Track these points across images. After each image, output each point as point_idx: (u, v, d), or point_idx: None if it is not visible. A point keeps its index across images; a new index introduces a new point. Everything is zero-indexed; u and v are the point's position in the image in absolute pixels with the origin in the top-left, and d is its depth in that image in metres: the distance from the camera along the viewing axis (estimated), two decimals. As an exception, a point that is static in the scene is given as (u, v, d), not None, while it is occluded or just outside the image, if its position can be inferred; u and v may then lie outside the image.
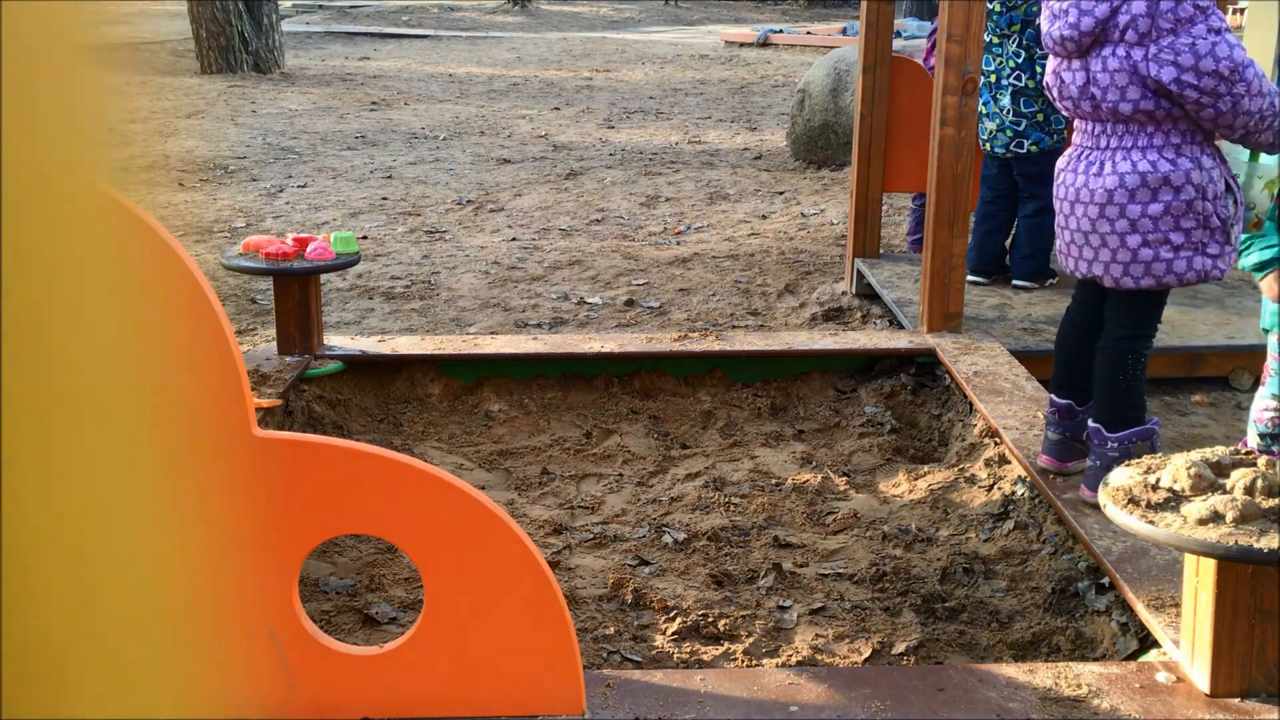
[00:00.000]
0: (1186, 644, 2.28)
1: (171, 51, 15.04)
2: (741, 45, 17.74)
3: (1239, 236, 2.86)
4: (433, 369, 4.19)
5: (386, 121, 10.82)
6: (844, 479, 3.54)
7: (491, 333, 4.97)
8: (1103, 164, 2.85)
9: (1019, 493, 3.32)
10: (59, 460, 0.50)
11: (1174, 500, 2.19)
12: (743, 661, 2.60)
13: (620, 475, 3.62)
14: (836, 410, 4.12)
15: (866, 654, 2.64)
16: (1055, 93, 2.96)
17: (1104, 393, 2.96)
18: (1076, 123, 2.99)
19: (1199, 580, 2.21)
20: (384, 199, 7.62)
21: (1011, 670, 2.32)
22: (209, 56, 13.69)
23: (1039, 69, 4.83)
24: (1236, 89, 2.68)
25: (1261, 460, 2.27)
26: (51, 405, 0.49)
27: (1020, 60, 4.91)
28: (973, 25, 4.08)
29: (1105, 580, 2.79)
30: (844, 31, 17.98)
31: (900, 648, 2.65)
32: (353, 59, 16.03)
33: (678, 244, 6.55)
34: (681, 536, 3.18)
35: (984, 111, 5.00)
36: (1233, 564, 2.11)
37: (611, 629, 2.73)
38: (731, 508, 3.33)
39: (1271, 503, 2.13)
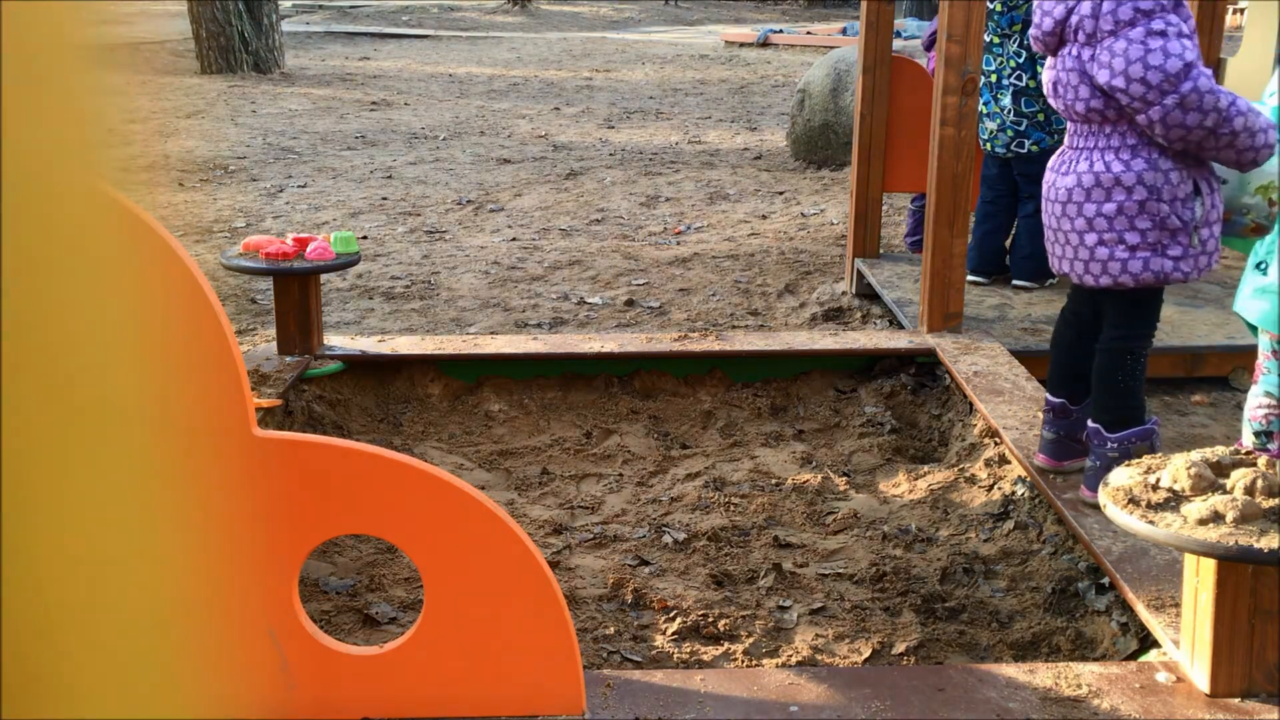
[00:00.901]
0: (1186, 644, 2.28)
1: (171, 51, 15.04)
2: (741, 45, 17.75)
3: (1211, 240, 2.85)
4: (433, 369, 4.19)
5: (386, 121, 10.82)
6: (844, 479, 3.54)
7: (491, 333, 4.97)
8: (1070, 163, 2.91)
9: (1019, 493, 3.32)
10: (59, 460, 0.50)
11: (1174, 500, 2.19)
12: (743, 661, 2.60)
13: (620, 475, 3.62)
14: (836, 410, 4.12)
15: (866, 654, 2.64)
16: (1046, 92, 3.02)
17: (1102, 393, 2.96)
18: (1048, 123, 3.05)
19: (1199, 580, 2.21)
20: (384, 199, 7.62)
21: (1011, 670, 2.32)
22: (209, 56, 13.70)
23: (1040, 69, 4.83)
24: (1167, 100, 2.66)
25: (1261, 460, 2.27)
26: (51, 405, 0.49)
27: (1021, 60, 4.91)
28: (973, 25, 4.08)
29: (1105, 580, 2.79)
30: (844, 31, 17.99)
31: (900, 648, 2.65)
32: (353, 59, 16.03)
33: (678, 244, 6.55)
34: (681, 536, 3.18)
35: (984, 111, 5.01)
36: (1233, 564, 2.11)
37: (611, 629, 2.73)
38: (731, 508, 3.33)
39: (1271, 503, 2.13)
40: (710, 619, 2.75)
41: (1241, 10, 13.89)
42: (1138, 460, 2.38)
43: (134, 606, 0.54)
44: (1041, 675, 2.29)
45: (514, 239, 6.65)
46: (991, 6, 4.94)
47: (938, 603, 2.85)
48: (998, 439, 3.53)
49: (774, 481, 3.53)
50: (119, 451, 0.53)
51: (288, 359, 4.00)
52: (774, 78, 14.22)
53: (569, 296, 5.56)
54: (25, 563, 0.49)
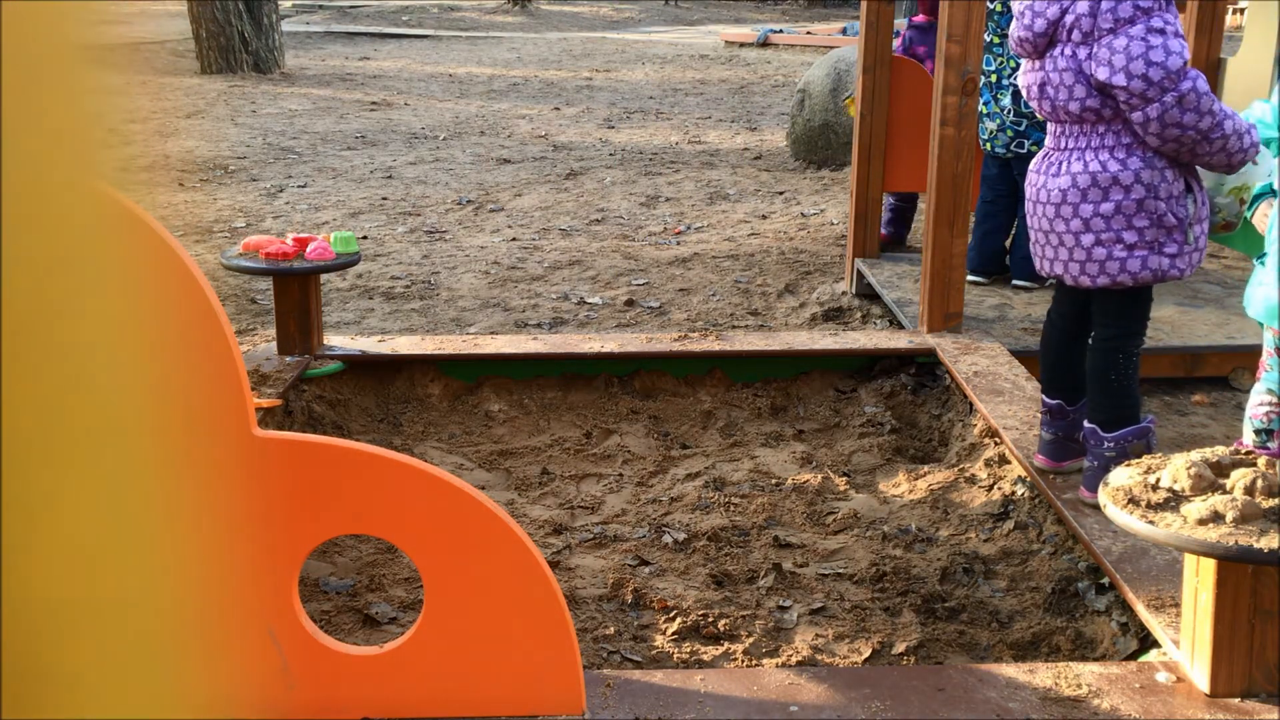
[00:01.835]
0: (1186, 644, 2.28)
1: (171, 51, 15.04)
2: (741, 45, 17.75)
3: (1202, 236, 2.86)
4: (433, 369, 4.19)
5: (386, 121, 10.82)
6: (844, 479, 3.54)
7: (491, 333, 4.97)
8: (1060, 164, 2.90)
9: (1019, 493, 3.32)
10: (59, 460, 0.50)
11: (1174, 500, 2.19)
12: (743, 661, 2.60)
13: (620, 475, 3.62)
14: (836, 410, 4.12)
15: (866, 654, 2.64)
16: (1025, 94, 3.01)
17: (1097, 393, 2.97)
18: (1046, 125, 3.03)
19: (1199, 580, 2.21)
20: (384, 199, 7.62)
21: (1011, 670, 2.32)
22: (209, 56, 13.70)
23: None
24: (1166, 98, 2.67)
25: (1261, 460, 2.27)
26: (51, 405, 0.49)
27: (1021, 60, 4.91)
28: (973, 25, 4.08)
29: (1105, 580, 2.80)
30: (844, 31, 17.98)
31: (900, 648, 2.65)
32: (353, 59, 16.03)
33: (678, 244, 6.55)
34: (681, 536, 3.18)
35: (984, 111, 5.01)
36: (1233, 564, 2.11)
37: (611, 629, 2.73)
38: (731, 508, 3.33)
39: (1271, 503, 2.13)
40: (710, 619, 2.75)
41: (1241, 10, 13.89)
42: (1137, 460, 2.38)
43: (134, 606, 0.54)
44: (1041, 675, 2.29)
45: (514, 239, 6.65)
46: (991, 6, 4.95)
47: (938, 603, 2.85)
48: (998, 439, 3.53)
49: (774, 481, 3.53)
50: (119, 451, 0.53)
51: (288, 359, 4.00)
52: (774, 78, 14.22)
53: (569, 296, 5.56)
54: (25, 562, 0.49)
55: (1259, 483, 2.16)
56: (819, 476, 3.52)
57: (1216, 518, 2.10)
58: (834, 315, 5.24)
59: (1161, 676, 2.28)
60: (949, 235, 4.24)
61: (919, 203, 5.92)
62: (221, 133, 9.97)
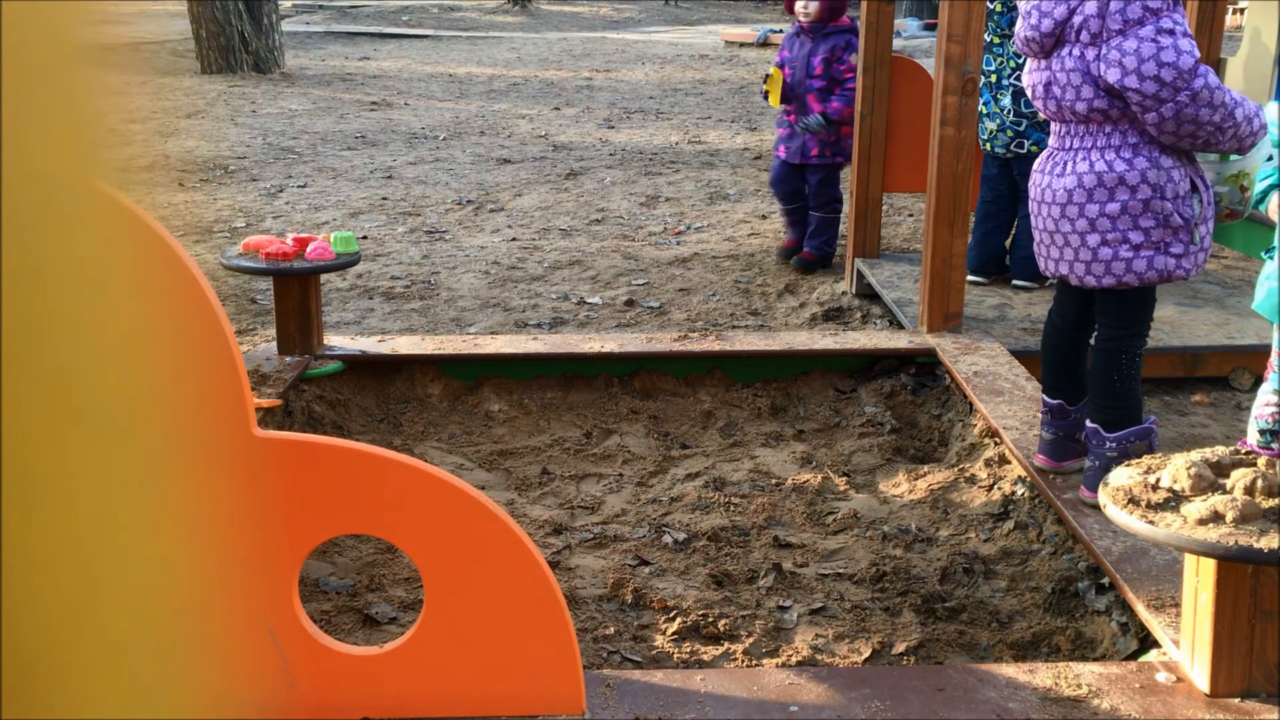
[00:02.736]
0: (1186, 644, 2.28)
1: (171, 51, 15.04)
2: (741, 45, 17.75)
3: (1207, 236, 2.86)
4: (433, 369, 4.19)
5: (386, 121, 10.82)
6: (844, 479, 3.54)
7: (491, 333, 4.97)
8: (1065, 164, 2.89)
9: (1019, 493, 3.32)
10: (59, 461, 0.50)
11: (1174, 500, 2.19)
12: (743, 661, 2.60)
13: (620, 475, 3.62)
14: (836, 410, 4.12)
15: (866, 654, 2.64)
16: (1029, 94, 3.00)
17: (1099, 393, 2.97)
18: (1050, 125, 3.02)
19: (1199, 580, 2.21)
20: (384, 199, 7.62)
21: (1011, 670, 2.32)
22: (209, 56, 13.70)
23: None
24: (1180, 97, 2.67)
25: (1261, 460, 2.27)
26: (51, 405, 0.49)
27: (1022, 60, 4.91)
28: (973, 25, 4.08)
29: (1105, 580, 2.79)
30: (844, 31, 17.94)
31: (900, 648, 2.65)
32: (353, 59, 16.03)
33: (678, 244, 6.55)
34: (681, 536, 3.18)
35: (984, 111, 5.01)
36: (1233, 564, 2.11)
37: (611, 629, 2.73)
38: (731, 508, 3.33)
39: (1271, 503, 2.13)
40: (710, 619, 2.75)
41: (1241, 10, 13.89)
42: (1137, 460, 2.38)
43: (134, 606, 0.54)
44: (1041, 675, 2.29)
45: (514, 239, 6.65)
46: (991, 7, 4.95)
47: (938, 603, 2.85)
48: (998, 439, 3.53)
49: (774, 481, 3.53)
50: (119, 451, 0.53)
51: (288, 359, 4.00)
52: (774, 78, 14.20)
53: (569, 296, 5.56)
54: (25, 562, 0.49)
55: (1259, 483, 2.16)
56: (819, 476, 3.52)
57: (1216, 518, 2.10)
58: (834, 315, 5.24)
59: (1161, 676, 2.28)
60: (949, 235, 4.24)
61: (808, 206, 5.89)
62: (221, 133, 9.98)
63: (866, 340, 4.34)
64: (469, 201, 7.58)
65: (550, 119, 11.11)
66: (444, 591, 2.12)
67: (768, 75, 5.71)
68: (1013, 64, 4.93)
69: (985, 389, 3.76)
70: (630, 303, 5.43)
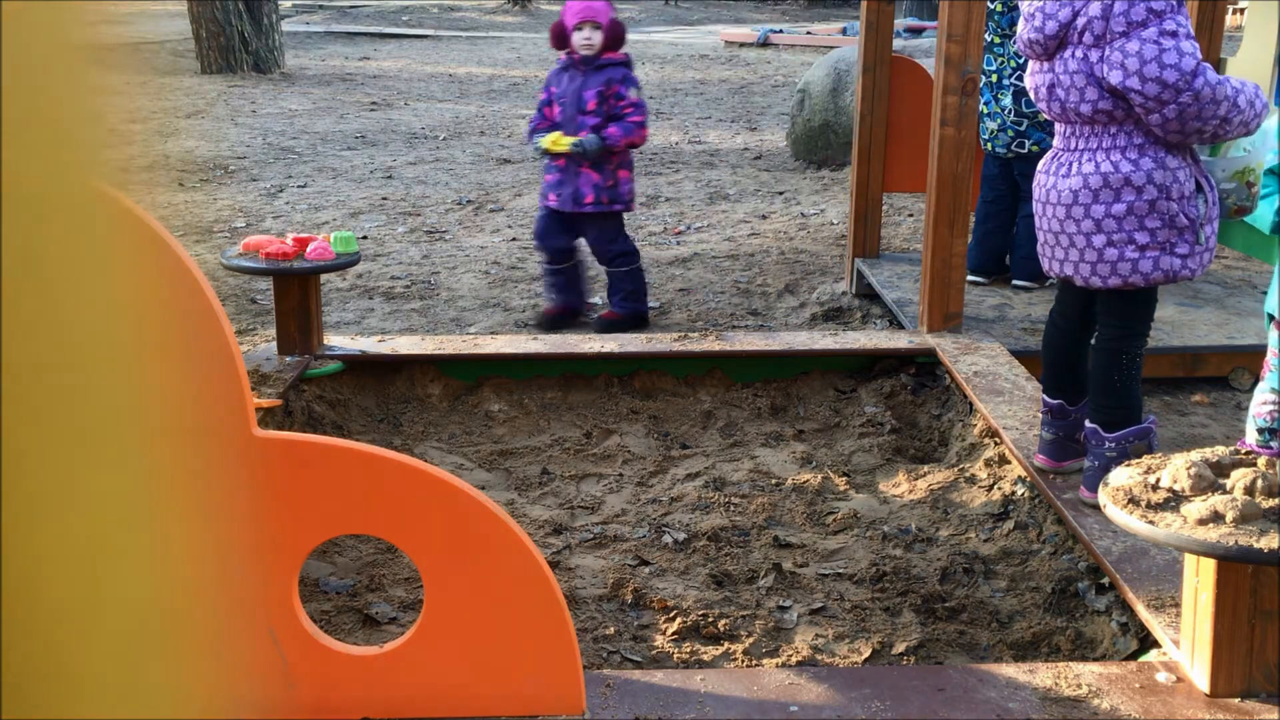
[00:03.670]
0: (1186, 644, 2.28)
1: (171, 51, 15.04)
2: (741, 45, 17.75)
3: (1212, 236, 2.86)
4: (433, 369, 4.19)
5: (386, 121, 10.82)
6: (844, 479, 3.54)
7: (491, 333, 4.97)
8: (1070, 165, 2.89)
9: (1019, 493, 3.32)
10: (59, 461, 0.50)
11: (1174, 500, 2.19)
12: (743, 661, 2.60)
13: (620, 475, 3.62)
14: (836, 410, 4.12)
15: (866, 654, 2.64)
16: (1032, 96, 3.01)
17: (1099, 393, 2.97)
18: (1054, 126, 3.03)
19: (1199, 580, 2.21)
20: (384, 199, 7.62)
21: (1011, 670, 2.32)
22: (209, 56, 13.70)
23: None
24: (1183, 98, 2.67)
25: (1261, 460, 2.27)
26: (51, 406, 0.49)
27: (1022, 60, 4.91)
28: (973, 25, 4.08)
29: (1105, 580, 2.79)
30: (844, 31, 17.98)
31: (900, 648, 2.65)
32: (353, 59, 16.03)
33: (678, 244, 6.55)
34: (681, 536, 3.18)
35: (985, 111, 5.01)
36: (1233, 564, 2.11)
37: (611, 629, 2.73)
38: (731, 508, 3.33)
39: (1271, 503, 2.13)
40: (710, 619, 2.75)
41: (1241, 10, 13.89)
42: (1137, 460, 2.38)
43: (134, 606, 0.54)
44: (1041, 675, 2.29)
45: (514, 239, 6.65)
46: (992, 7, 4.95)
47: (938, 603, 2.85)
48: (998, 439, 3.53)
49: (774, 481, 3.53)
50: (119, 451, 0.53)
51: (288, 359, 4.00)
52: (774, 78, 14.21)
53: (569, 296, 5.55)
54: (25, 562, 0.49)
55: (1259, 483, 2.16)
56: (819, 476, 3.52)
57: (1216, 518, 2.10)
58: (834, 315, 5.24)
59: (1161, 676, 2.28)
60: (949, 235, 4.24)
61: (581, 264, 5.16)
62: (221, 133, 9.97)
63: (866, 340, 4.34)
64: (469, 201, 7.58)
65: (550, 119, 11.10)
66: (444, 592, 2.12)
67: (542, 148, 4.92)
68: (1014, 64, 4.93)
69: (985, 389, 3.76)
70: (630, 303, 5.43)
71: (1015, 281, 5.06)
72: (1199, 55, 2.71)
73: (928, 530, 3.23)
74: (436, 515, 2.08)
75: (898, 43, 10.74)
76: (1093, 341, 3.03)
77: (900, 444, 3.88)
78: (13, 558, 0.48)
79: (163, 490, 0.56)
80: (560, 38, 5.01)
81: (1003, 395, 3.71)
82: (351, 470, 2.08)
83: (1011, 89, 4.93)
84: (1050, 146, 4.85)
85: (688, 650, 2.65)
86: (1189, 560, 2.23)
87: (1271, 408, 2.87)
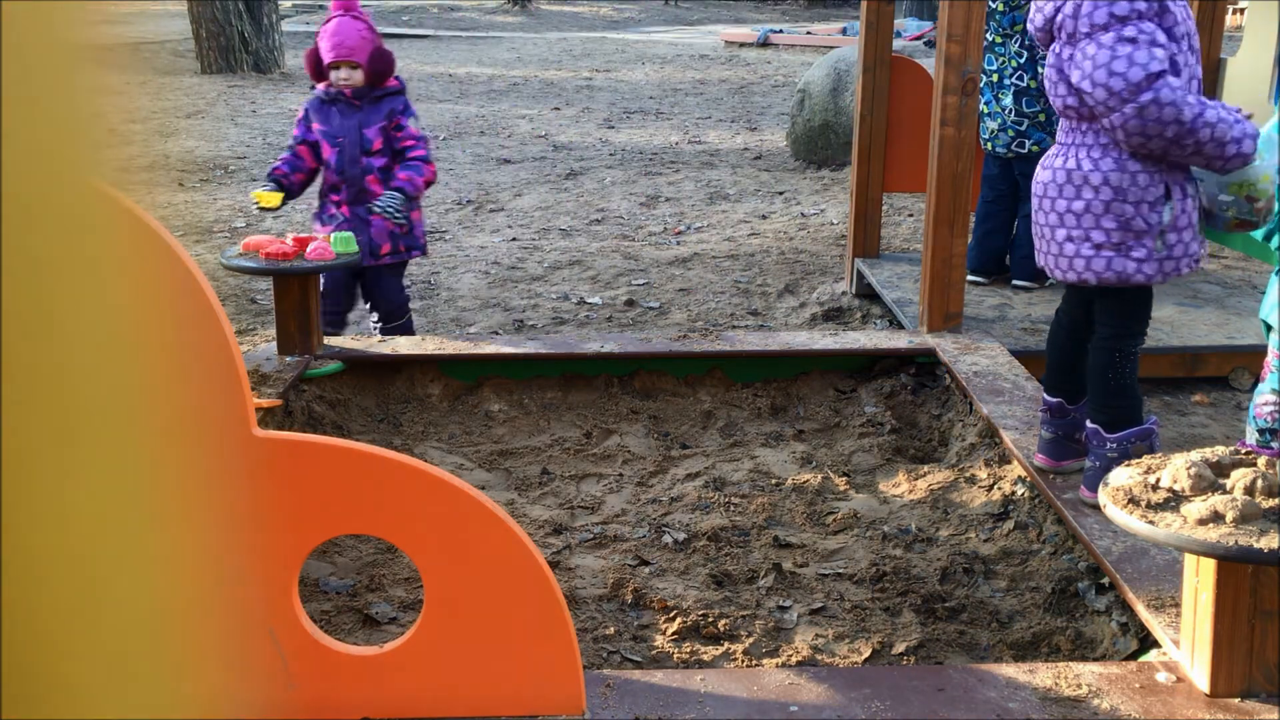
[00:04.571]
0: (1186, 644, 2.28)
1: (171, 51, 15.04)
2: (741, 45, 17.75)
3: (1179, 244, 2.83)
4: (433, 369, 4.19)
5: (386, 121, 10.80)
6: (844, 479, 3.54)
7: (492, 333, 4.97)
8: (1052, 158, 2.95)
9: (1019, 493, 3.32)
10: (59, 460, 0.50)
11: (1174, 500, 2.19)
12: (743, 661, 2.60)
13: (620, 475, 3.62)
14: (836, 410, 4.12)
15: (866, 654, 2.64)
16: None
17: (1097, 393, 2.97)
18: (1048, 125, 3.12)
19: (1199, 580, 2.21)
20: (384, 199, 7.61)
21: (1011, 670, 2.32)
22: (209, 56, 13.70)
23: (1041, 69, 4.83)
24: (1126, 108, 2.68)
25: (1261, 460, 2.27)
26: (51, 406, 0.49)
27: (1023, 60, 4.91)
28: (973, 25, 4.08)
29: (1105, 580, 2.79)
30: (844, 31, 17.99)
31: (900, 648, 2.65)
32: (353, 59, 15.99)
33: (678, 244, 6.55)
34: (681, 536, 3.18)
35: (985, 111, 5.01)
36: (1233, 564, 2.11)
37: (611, 629, 2.73)
38: (731, 508, 3.33)
39: (1271, 503, 2.13)
40: (710, 619, 2.75)
41: (1241, 10, 13.89)
42: (1138, 460, 2.38)
43: (134, 606, 0.54)
44: (1041, 675, 2.29)
45: (514, 239, 6.65)
46: (993, 6, 4.95)
47: (938, 603, 2.85)
48: (998, 439, 3.53)
49: (774, 481, 3.53)
50: (119, 451, 0.53)
51: (288, 359, 4.00)
52: (774, 78, 14.21)
53: (569, 296, 5.56)
54: (25, 562, 0.49)
55: (1259, 483, 2.16)
56: (819, 476, 3.52)
57: (1216, 518, 2.10)
58: (834, 315, 5.24)
59: (1161, 676, 2.28)
60: (949, 235, 4.24)
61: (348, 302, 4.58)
62: (221, 133, 9.97)
63: (866, 340, 4.34)
64: (469, 201, 7.58)
65: (550, 119, 11.11)
66: (444, 591, 2.12)
67: (257, 203, 4.31)
68: (1014, 63, 4.93)
69: (985, 389, 3.76)
70: (630, 303, 5.43)
71: (1015, 281, 5.06)
72: (1156, 68, 2.66)
73: (928, 530, 3.23)
74: (436, 515, 2.08)
75: (897, 43, 10.73)
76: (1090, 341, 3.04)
77: (900, 444, 3.88)
78: (13, 558, 0.48)
79: (163, 490, 0.56)
80: (316, 69, 4.33)
81: (1003, 395, 3.71)
82: (351, 470, 2.08)
83: (1012, 89, 4.93)
84: (1049, 147, 4.87)
85: (688, 650, 2.65)
86: (1189, 560, 2.23)
87: (1272, 408, 2.87)
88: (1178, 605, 2.42)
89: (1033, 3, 2.97)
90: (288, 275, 3.95)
